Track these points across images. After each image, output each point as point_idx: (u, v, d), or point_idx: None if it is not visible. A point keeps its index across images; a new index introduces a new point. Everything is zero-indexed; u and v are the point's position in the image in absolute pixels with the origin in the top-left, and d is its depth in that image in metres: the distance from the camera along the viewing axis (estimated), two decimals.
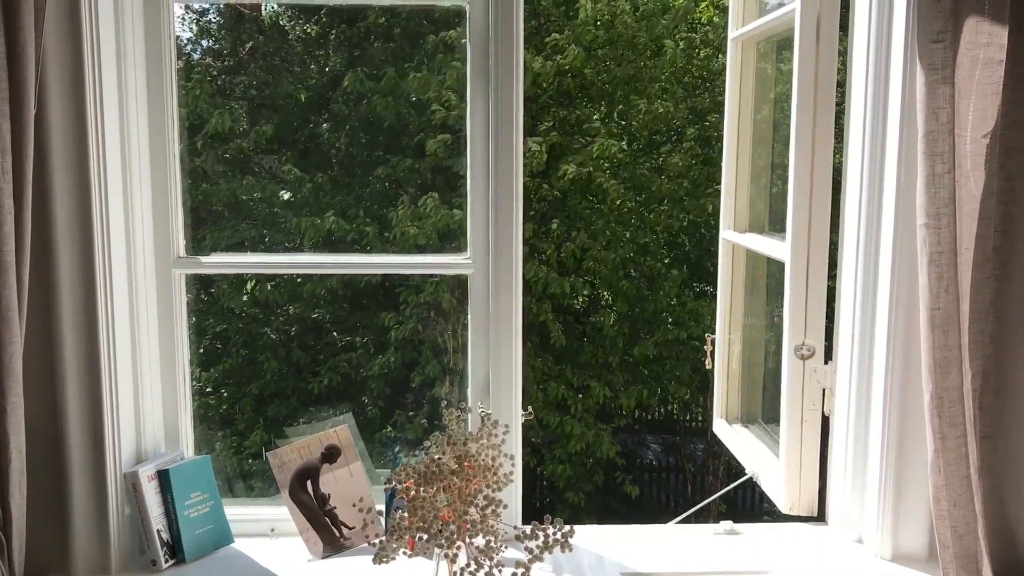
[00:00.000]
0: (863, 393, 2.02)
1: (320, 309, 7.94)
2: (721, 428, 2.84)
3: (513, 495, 2.06)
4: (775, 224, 2.51)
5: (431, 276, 7.09)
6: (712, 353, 2.84)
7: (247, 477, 7.31)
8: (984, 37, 1.63)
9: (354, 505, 1.90)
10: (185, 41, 8.57)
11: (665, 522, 2.62)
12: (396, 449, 7.50)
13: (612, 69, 7.94)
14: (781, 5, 2.33)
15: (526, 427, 7.28)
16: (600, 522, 8.32)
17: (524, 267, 6.98)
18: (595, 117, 8.08)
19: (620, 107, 8.27)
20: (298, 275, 7.46)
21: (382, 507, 2.10)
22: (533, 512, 8.28)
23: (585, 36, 7.74)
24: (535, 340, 7.82)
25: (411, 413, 7.74)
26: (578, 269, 8.05)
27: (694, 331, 7.94)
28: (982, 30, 1.63)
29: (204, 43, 8.89)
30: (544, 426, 7.78)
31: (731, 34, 2.67)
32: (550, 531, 1.61)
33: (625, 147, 8.01)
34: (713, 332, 2.88)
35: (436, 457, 1.70)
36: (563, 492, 8.14)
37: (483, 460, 1.73)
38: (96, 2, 1.84)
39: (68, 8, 1.81)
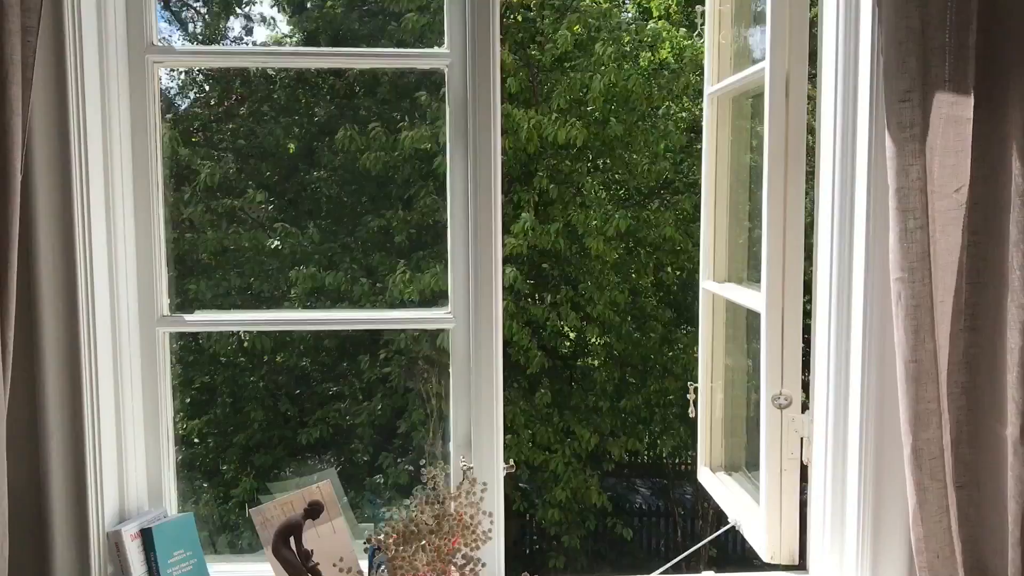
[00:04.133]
0: (839, 442, 2.04)
1: (307, 358, 7.93)
2: (705, 476, 2.85)
3: (495, 551, 2.07)
4: (753, 274, 2.55)
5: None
6: (695, 402, 2.86)
7: (234, 528, 7.25)
8: (950, 96, 1.69)
9: (334, 565, 1.90)
10: (171, 93, 8.66)
11: (654, 567, 2.62)
12: (387, 496, 7.45)
13: (608, 126, 8.00)
14: (754, 62, 2.39)
15: (513, 475, 7.22)
16: (590, 566, 8.28)
17: (510, 313, 6.91)
18: (587, 171, 8.15)
19: (613, 160, 8.34)
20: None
21: (365, 563, 2.10)
22: (524, 557, 8.22)
23: (591, 103, 7.80)
24: (523, 384, 7.81)
25: (399, 459, 7.70)
26: (567, 314, 8.07)
27: (682, 374, 7.97)
28: (948, 89, 1.69)
29: (191, 94, 8.99)
30: (532, 468, 7.74)
31: (707, 90, 2.74)
32: None
33: (621, 200, 8.08)
34: (697, 379, 2.90)
35: (414, 516, 1.72)
36: (554, 538, 8.09)
37: (462, 519, 1.75)
38: (82, 69, 1.89)
39: (55, 76, 1.85)
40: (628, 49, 8.04)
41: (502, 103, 2.18)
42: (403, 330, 7.30)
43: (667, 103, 8.10)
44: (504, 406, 2.17)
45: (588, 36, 7.92)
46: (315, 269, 7.38)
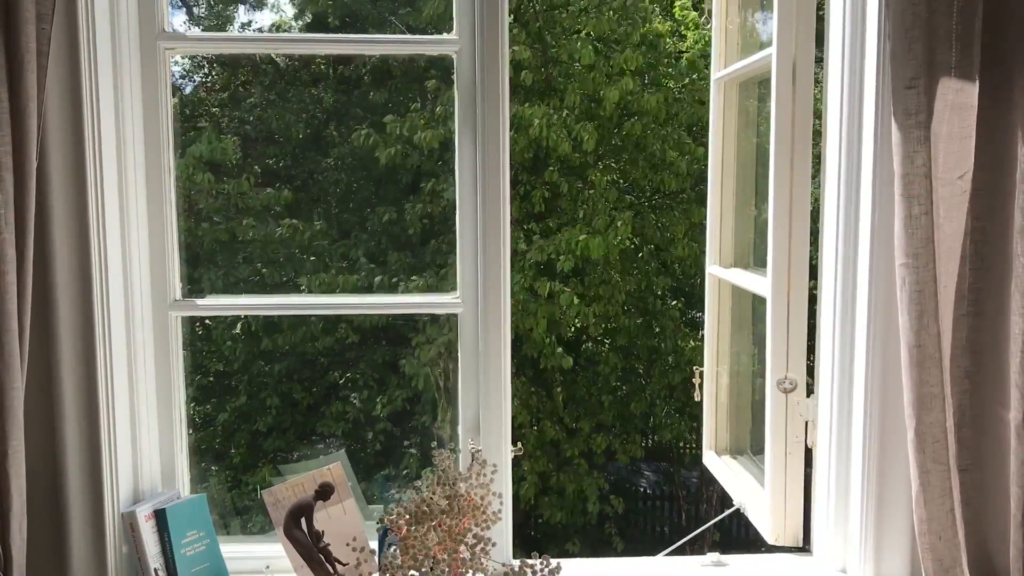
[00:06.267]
0: (844, 426, 2.06)
1: (317, 342, 7.94)
2: (711, 460, 2.88)
3: (504, 532, 2.10)
4: (759, 259, 2.57)
5: (436, 317, 7.14)
6: (700, 386, 2.88)
7: (246, 512, 7.29)
8: (956, 83, 1.70)
9: (348, 544, 1.93)
10: (178, 77, 8.65)
11: (659, 551, 2.65)
12: (396, 484, 7.48)
13: (623, 128, 7.96)
14: (762, 47, 2.40)
15: (520, 463, 7.21)
16: (595, 550, 8.33)
17: (517, 305, 6.83)
18: (593, 164, 8.14)
19: (624, 163, 8.33)
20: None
21: (375, 544, 2.13)
22: (530, 541, 8.27)
23: (603, 104, 7.81)
24: (528, 374, 7.82)
25: (412, 449, 7.73)
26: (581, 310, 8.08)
27: (688, 358, 7.98)
28: (954, 76, 1.70)
29: (198, 78, 8.98)
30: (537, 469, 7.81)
31: (714, 75, 2.74)
32: (537, 566, 1.65)
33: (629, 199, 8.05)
34: (702, 363, 2.92)
35: (426, 497, 1.75)
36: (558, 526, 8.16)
37: (472, 499, 1.78)
38: (95, 55, 1.91)
39: (68, 63, 1.87)
40: (650, 60, 8.01)
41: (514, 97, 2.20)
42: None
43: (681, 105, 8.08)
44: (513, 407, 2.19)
45: (610, 31, 7.88)
46: (333, 272, 7.38)
